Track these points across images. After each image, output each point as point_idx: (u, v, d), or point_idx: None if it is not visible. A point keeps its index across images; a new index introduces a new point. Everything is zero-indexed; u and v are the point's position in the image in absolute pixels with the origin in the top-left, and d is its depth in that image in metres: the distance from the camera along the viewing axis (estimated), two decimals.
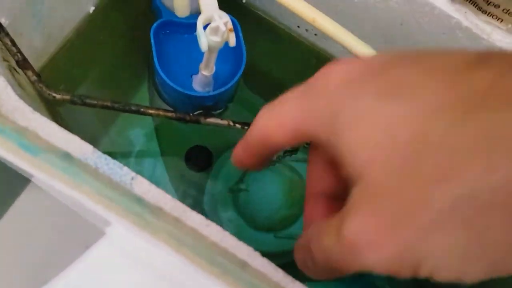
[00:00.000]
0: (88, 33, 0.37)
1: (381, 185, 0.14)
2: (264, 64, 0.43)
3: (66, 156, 0.19)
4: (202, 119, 0.31)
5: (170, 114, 0.30)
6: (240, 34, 0.34)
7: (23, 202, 0.43)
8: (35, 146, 0.19)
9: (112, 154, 0.45)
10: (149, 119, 0.41)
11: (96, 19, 0.37)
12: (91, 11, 0.37)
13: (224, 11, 0.35)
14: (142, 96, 0.42)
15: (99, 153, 0.23)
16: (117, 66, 0.40)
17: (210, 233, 0.23)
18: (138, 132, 0.44)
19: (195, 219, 0.23)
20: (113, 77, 0.40)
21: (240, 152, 0.21)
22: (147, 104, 0.41)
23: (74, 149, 0.22)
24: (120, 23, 0.39)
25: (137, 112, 0.30)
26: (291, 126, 0.17)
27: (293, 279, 0.22)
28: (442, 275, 0.14)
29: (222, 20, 0.26)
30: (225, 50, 0.32)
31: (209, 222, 0.24)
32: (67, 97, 0.27)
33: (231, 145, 0.46)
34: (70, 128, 0.40)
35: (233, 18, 0.34)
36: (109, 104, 0.29)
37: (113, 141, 0.43)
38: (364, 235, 0.14)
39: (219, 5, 0.36)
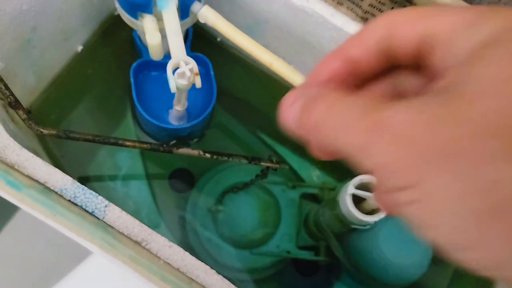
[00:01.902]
0: (77, 69, 0.41)
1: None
2: (238, 93, 0.47)
3: (45, 191, 0.23)
4: (174, 150, 0.35)
5: (145, 146, 0.34)
6: (211, 72, 0.38)
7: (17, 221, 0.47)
8: (20, 182, 0.23)
9: (100, 177, 0.50)
10: None
11: (84, 57, 0.41)
12: (79, 50, 0.40)
13: (200, 49, 0.39)
14: (128, 124, 0.46)
15: (78, 184, 0.27)
16: (105, 98, 0.44)
17: (172, 252, 0.27)
18: (125, 156, 0.48)
19: (159, 240, 0.27)
20: (101, 108, 0.44)
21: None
22: (132, 131, 0.45)
23: (56, 181, 0.26)
24: (107, 59, 0.43)
25: (116, 144, 0.33)
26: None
27: None
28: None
29: (188, 66, 0.30)
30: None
31: (171, 243, 0.27)
32: (53, 132, 0.31)
33: (211, 168, 0.50)
34: (62, 154, 0.44)
35: (204, 56, 0.38)
36: (90, 137, 0.32)
37: (101, 164, 0.47)
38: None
39: (196, 44, 0.40)
